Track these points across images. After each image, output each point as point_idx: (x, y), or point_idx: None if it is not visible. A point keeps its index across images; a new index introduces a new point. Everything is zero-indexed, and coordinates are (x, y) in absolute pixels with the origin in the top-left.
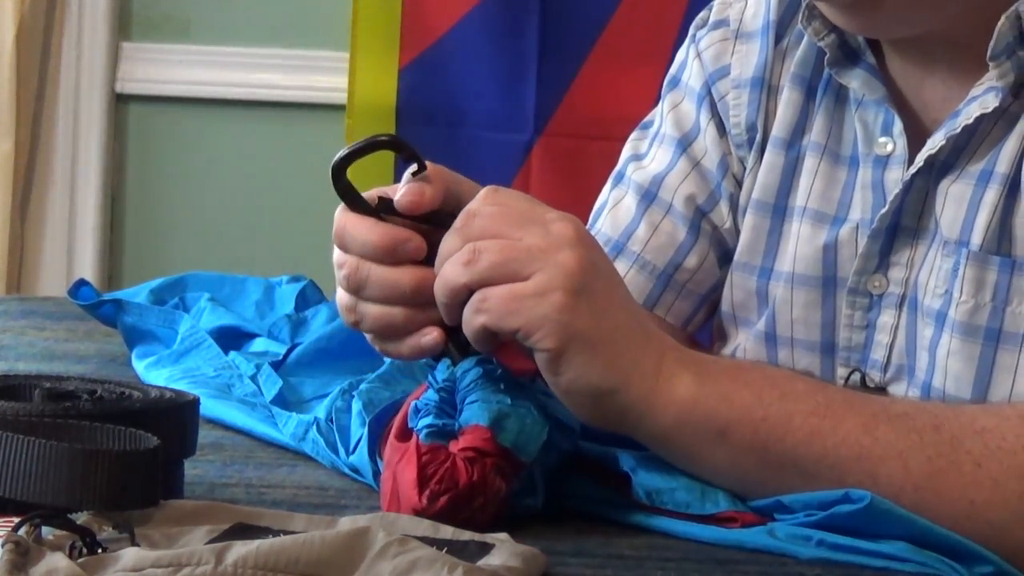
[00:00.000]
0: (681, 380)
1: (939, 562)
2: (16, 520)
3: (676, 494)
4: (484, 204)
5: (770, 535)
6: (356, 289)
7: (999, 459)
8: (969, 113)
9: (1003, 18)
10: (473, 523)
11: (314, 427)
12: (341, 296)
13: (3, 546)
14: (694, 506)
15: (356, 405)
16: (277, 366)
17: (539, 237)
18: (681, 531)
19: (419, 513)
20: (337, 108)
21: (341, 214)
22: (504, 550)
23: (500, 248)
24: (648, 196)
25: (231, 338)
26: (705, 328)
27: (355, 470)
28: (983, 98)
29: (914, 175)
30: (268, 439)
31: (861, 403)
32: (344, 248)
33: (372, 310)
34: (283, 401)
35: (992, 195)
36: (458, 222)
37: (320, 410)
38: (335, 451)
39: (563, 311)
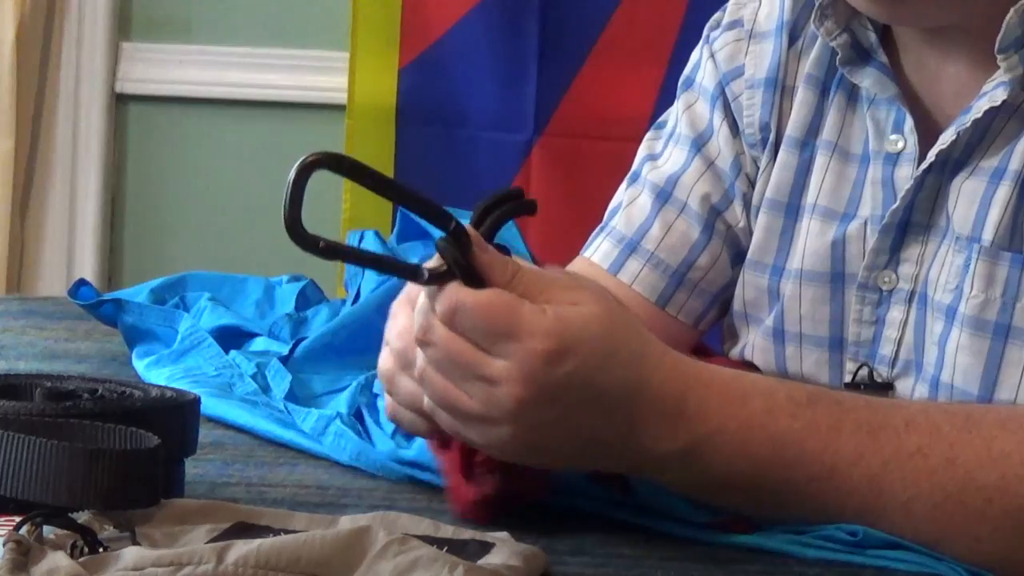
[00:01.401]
0: (665, 475)
1: (940, 562)
2: (18, 519)
3: (669, 500)
4: (432, 344)
5: (767, 538)
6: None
7: (1013, 490)
8: (979, 107)
9: (1012, 11)
10: (527, 493)
11: (337, 420)
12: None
13: (5, 545)
14: (687, 512)
15: (381, 403)
16: (284, 361)
17: (479, 402)
18: (680, 532)
19: (474, 502)
20: (337, 108)
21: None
22: (504, 549)
23: (448, 407)
24: (663, 195)
25: (231, 337)
26: (716, 327)
27: (408, 464)
28: (992, 93)
29: (926, 172)
30: (269, 437)
31: (874, 447)
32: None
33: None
34: (293, 397)
35: (1004, 191)
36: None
37: (340, 405)
38: (368, 440)
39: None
